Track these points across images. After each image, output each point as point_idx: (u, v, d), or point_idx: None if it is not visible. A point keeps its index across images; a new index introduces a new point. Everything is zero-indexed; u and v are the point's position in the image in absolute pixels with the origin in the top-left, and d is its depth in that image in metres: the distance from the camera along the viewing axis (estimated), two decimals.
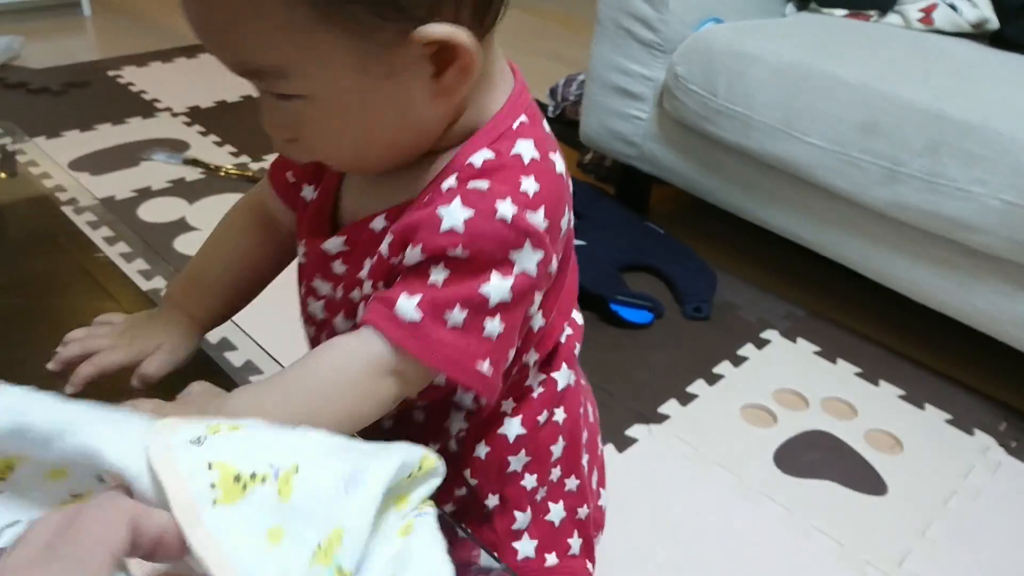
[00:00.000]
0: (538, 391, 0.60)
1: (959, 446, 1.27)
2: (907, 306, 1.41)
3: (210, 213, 1.67)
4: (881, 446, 1.26)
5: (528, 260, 0.47)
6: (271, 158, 0.64)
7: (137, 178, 1.83)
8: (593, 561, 0.67)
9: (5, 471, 0.45)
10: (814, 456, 1.22)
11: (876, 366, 1.42)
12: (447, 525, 0.44)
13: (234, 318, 0.65)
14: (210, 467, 0.39)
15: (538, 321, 0.55)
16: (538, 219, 0.46)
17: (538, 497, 0.63)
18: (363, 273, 0.52)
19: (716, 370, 1.38)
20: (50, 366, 0.56)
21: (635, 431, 1.23)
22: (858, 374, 1.40)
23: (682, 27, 1.54)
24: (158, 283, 1.41)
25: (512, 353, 0.50)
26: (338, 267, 0.55)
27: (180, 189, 1.79)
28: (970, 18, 1.48)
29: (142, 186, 1.79)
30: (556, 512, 0.64)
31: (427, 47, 0.43)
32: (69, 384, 0.55)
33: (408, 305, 0.46)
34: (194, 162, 1.90)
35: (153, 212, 1.70)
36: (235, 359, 0.69)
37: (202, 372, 0.56)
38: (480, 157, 0.48)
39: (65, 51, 2.52)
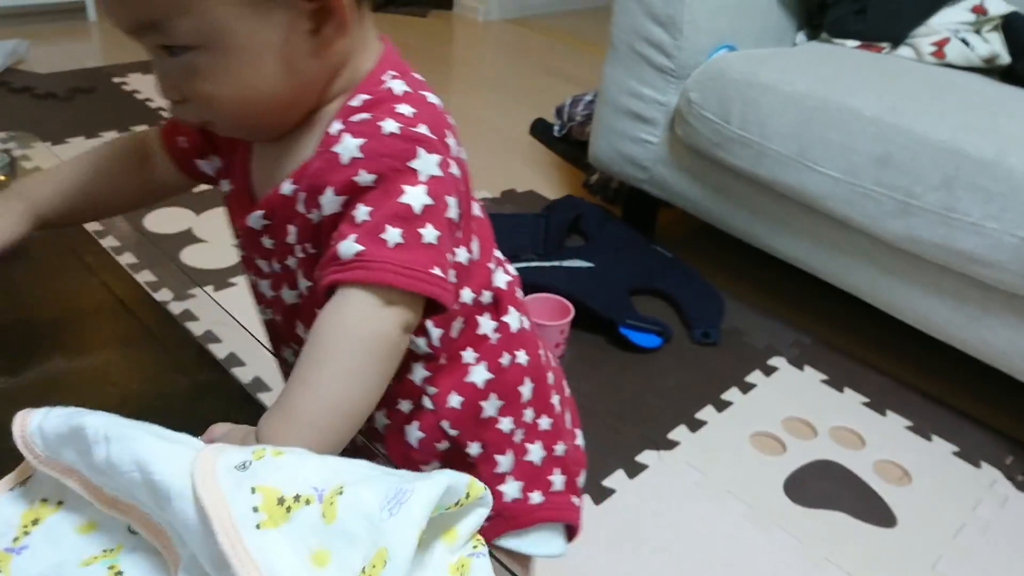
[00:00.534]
0: (494, 337, 0.63)
1: (967, 479, 1.27)
2: (914, 337, 1.42)
3: (217, 224, 1.66)
4: (890, 477, 1.26)
5: (428, 164, 0.50)
6: None
7: None
8: (579, 495, 0.70)
9: (30, 525, 0.45)
10: (824, 486, 1.22)
11: (883, 396, 1.42)
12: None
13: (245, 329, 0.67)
14: (253, 491, 0.39)
15: (462, 254, 0.57)
16: (423, 130, 0.50)
17: (516, 439, 0.65)
18: (291, 238, 0.55)
19: (725, 396, 1.38)
20: None
21: (645, 457, 1.23)
22: (865, 403, 1.41)
23: (696, 53, 1.55)
24: (165, 295, 1.39)
25: (458, 254, 0.54)
26: (267, 241, 0.58)
27: (187, 199, 1.78)
28: (982, 53, 1.50)
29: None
30: (535, 452, 0.67)
31: (307, 3, 0.49)
32: None
33: (348, 245, 0.48)
34: None
35: (159, 223, 1.69)
36: (243, 375, 0.68)
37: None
38: (358, 99, 0.52)
39: (70, 56, 2.51)
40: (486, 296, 0.61)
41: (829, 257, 1.45)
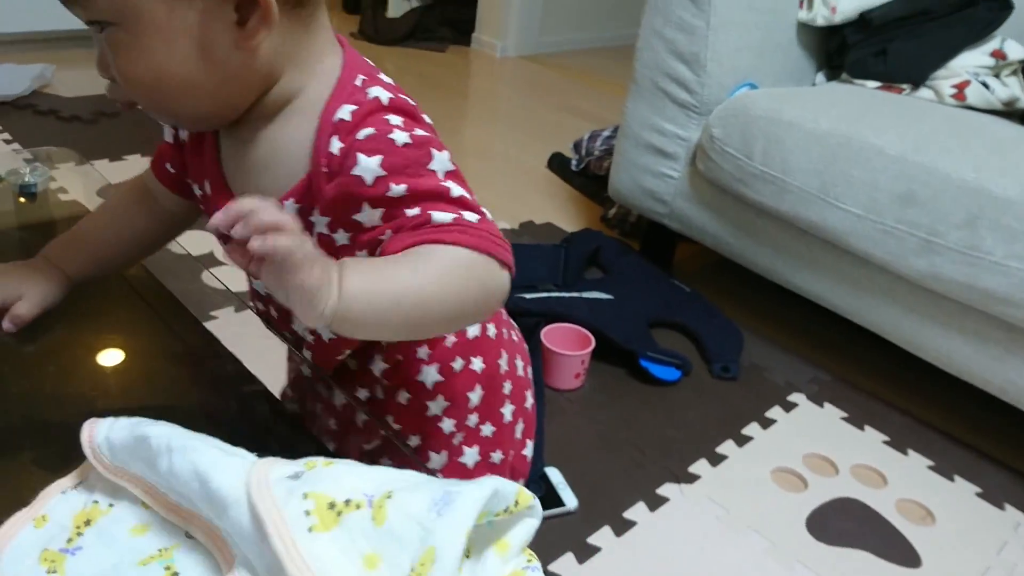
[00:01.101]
0: (450, 339, 0.65)
1: (991, 520, 1.26)
2: (935, 376, 1.41)
3: None
4: (913, 517, 1.24)
5: (442, 161, 0.53)
6: None
7: None
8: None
9: (83, 526, 0.45)
10: (847, 524, 1.21)
11: (904, 435, 1.41)
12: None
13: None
14: (305, 496, 0.40)
15: None
16: (423, 132, 0.53)
17: (455, 441, 0.68)
18: None
19: (745, 431, 1.37)
20: None
21: (666, 490, 1.22)
22: (886, 442, 1.40)
23: (718, 90, 1.57)
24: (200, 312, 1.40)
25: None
26: None
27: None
28: (1001, 96, 1.51)
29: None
30: (470, 455, 0.69)
31: None
32: None
33: (441, 215, 0.51)
34: None
35: (181, 244, 1.70)
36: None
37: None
38: (346, 111, 0.53)
39: (94, 80, 2.52)
40: None
41: (850, 294, 1.45)
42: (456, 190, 0.52)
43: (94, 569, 0.43)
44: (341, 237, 0.55)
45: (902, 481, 1.31)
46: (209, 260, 1.66)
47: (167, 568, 0.43)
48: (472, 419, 0.68)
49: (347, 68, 0.56)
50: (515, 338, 0.75)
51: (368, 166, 0.51)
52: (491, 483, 0.40)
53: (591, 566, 1.08)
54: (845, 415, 1.45)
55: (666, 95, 1.62)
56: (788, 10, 1.64)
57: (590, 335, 1.42)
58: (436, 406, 0.66)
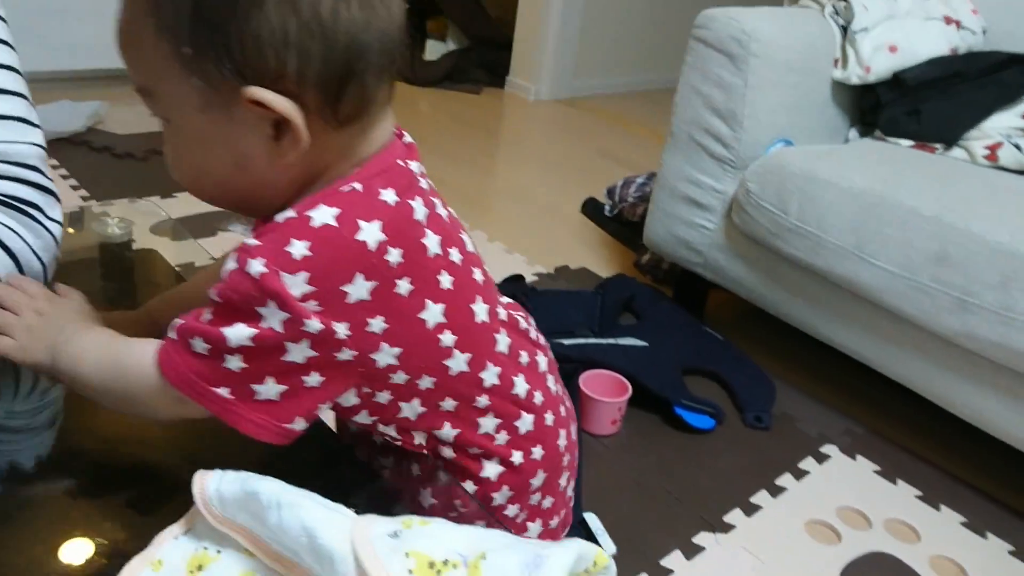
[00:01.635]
0: (502, 438, 0.65)
1: None
2: (968, 432, 1.43)
3: None
4: (946, 574, 1.26)
5: (273, 318, 0.50)
6: None
7: (214, 247, 1.90)
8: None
9: (196, 570, 0.50)
10: None
11: (937, 490, 1.43)
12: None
13: None
14: (407, 555, 0.43)
15: (425, 381, 0.59)
16: (295, 281, 0.49)
17: (519, 520, 0.69)
18: None
19: (779, 481, 1.39)
20: None
21: (702, 539, 1.25)
22: (919, 497, 1.41)
23: (754, 146, 1.62)
24: None
25: (268, 385, 0.52)
26: None
27: None
28: None
29: (219, 255, 1.86)
30: (534, 529, 0.71)
31: (266, 111, 0.49)
32: None
33: (171, 326, 0.54)
34: None
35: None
36: None
37: None
38: (284, 215, 0.52)
39: (145, 119, 2.60)
40: (482, 400, 0.62)
41: (883, 348, 1.48)
42: (236, 361, 0.51)
43: None
44: None
45: (935, 537, 1.32)
46: None
47: None
48: (535, 499, 0.70)
49: (356, 175, 0.54)
50: (564, 411, 0.75)
51: (228, 264, 0.51)
52: (575, 546, 0.44)
53: None
54: (878, 468, 1.47)
55: (703, 149, 1.67)
56: (823, 69, 1.69)
57: (627, 382, 1.45)
58: (501, 496, 0.67)
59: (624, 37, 3.82)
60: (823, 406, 1.63)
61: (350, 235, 0.51)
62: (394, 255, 0.53)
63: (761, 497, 1.35)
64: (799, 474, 1.42)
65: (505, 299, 0.72)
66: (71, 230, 1.13)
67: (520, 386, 0.65)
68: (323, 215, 0.50)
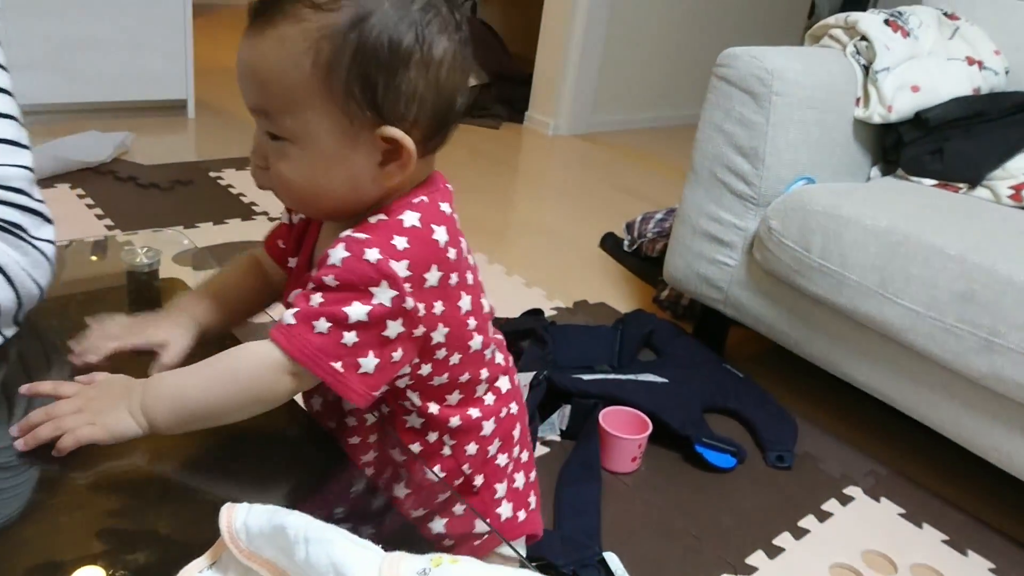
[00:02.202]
0: (491, 399, 0.79)
1: None
2: (994, 474, 1.40)
3: None
4: None
5: (384, 295, 0.61)
6: None
7: None
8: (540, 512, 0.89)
9: None
10: None
11: (963, 534, 1.40)
12: None
13: None
14: None
15: (441, 354, 0.70)
16: (399, 267, 0.61)
17: (509, 470, 0.83)
18: None
19: (801, 523, 1.37)
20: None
21: None
22: (945, 541, 1.38)
23: (776, 183, 1.62)
24: None
25: (370, 359, 0.63)
26: None
27: None
28: None
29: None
30: (519, 479, 0.84)
31: (384, 141, 0.62)
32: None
33: (288, 314, 0.62)
34: None
35: None
36: None
37: None
38: (377, 216, 0.65)
39: (171, 150, 2.68)
40: (484, 373, 0.76)
41: (908, 389, 1.46)
42: (351, 335, 0.61)
43: None
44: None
45: None
46: None
47: None
48: (516, 451, 0.84)
49: (416, 189, 0.67)
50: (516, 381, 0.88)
51: (338, 254, 0.61)
52: None
53: None
54: (902, 511, 1.44)
55: (724, 185, 1.67)
56: (845, 108, 1.69)
57: (647, 419, 1.44)
58: (493, 447, 0.80)
59: (642, 73, 3.85)
60: (846, 446, 1.60)
61: (429, 235, 0.64)
62: (452, 253, 0.66)
63: (784, 539, 1.33)
64: (822, 516, 1.40)
65: None
66: (94, 258, 1.14)
67: (499, 357, 0.80)
68: (411, 218, 0.64)
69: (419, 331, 0.65)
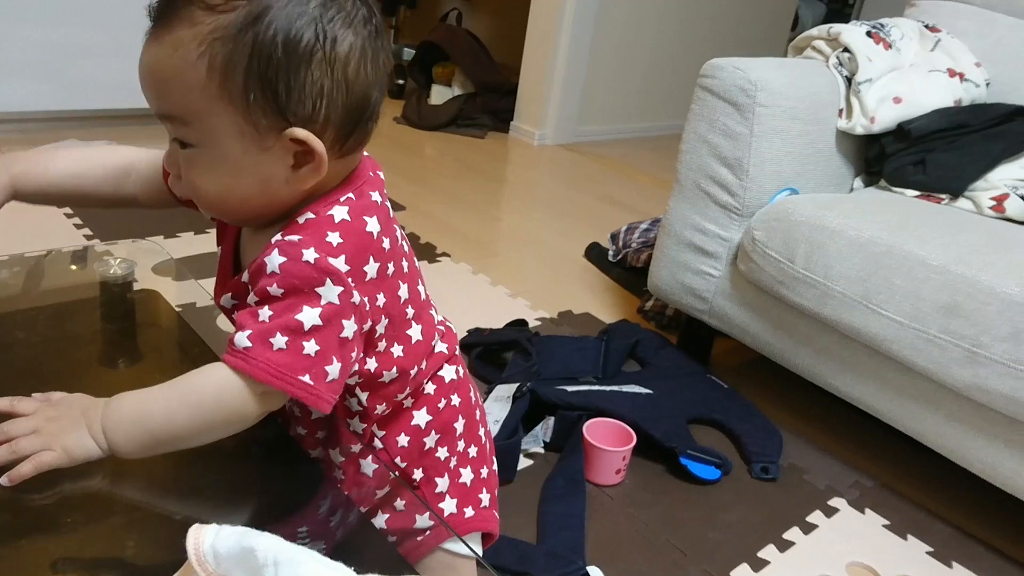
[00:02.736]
0: (430, 387, 0.77)
1: None
2: (980, 486, 1.40)
3: None
4: None
5: (330, 293, 0.60)
6: None
7: None
8: (498, 510, 0.87)
9: None
10: None
11: (948, 546, 1.39)
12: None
13: None
14: None
15: (396, 349, 0.71)
16: (338, 263, 0.61)
17: (451, 465, 0.81)
18: None
19: (786, 536, 1.36)
20: None
21: None
22: (930, 553, 1.38)
23: (760, 194, 1.62)
24: None
25: (335, 365, 0.61)
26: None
27: None
28: None
29: None
30: (466, 475, 0.82)
31: (293, 143, 0.60)
32: None
33: (241, 337, 0.59)
34: None
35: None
36: None
37: None
38: (304, 216, 0.63)
39: None
40: (424, 364, 0.75)
41: (892, 400, 1.46)
42: (312, 344, 0.60)
43: None
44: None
45: None
46: None
47: None
48: (460, 445, 0.82)
49: (344, 185, 0.66)
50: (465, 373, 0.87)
51: (273, 261, 0.60)
52: None
53: None
54: (887, 522, 1.43)
55: (708, 196, 1.66)
56: (828, 119, 1.70)
57: (631, 431, 1.43)
58: (430, 440, 0.78)
59: (628, 84, 3.86)
60: (831, 458, 1.60)
61: (363, 227, 0.63)
62: (386, 243, 0.66)
63: (769, 552, 1.32)
64: (807, 528, 1.39)
65: None
66: (74, 267, 1.12)
67: (440, 346, 0.79)
68: (340, 213, 0.63)
69: (367, 326, 0.64)
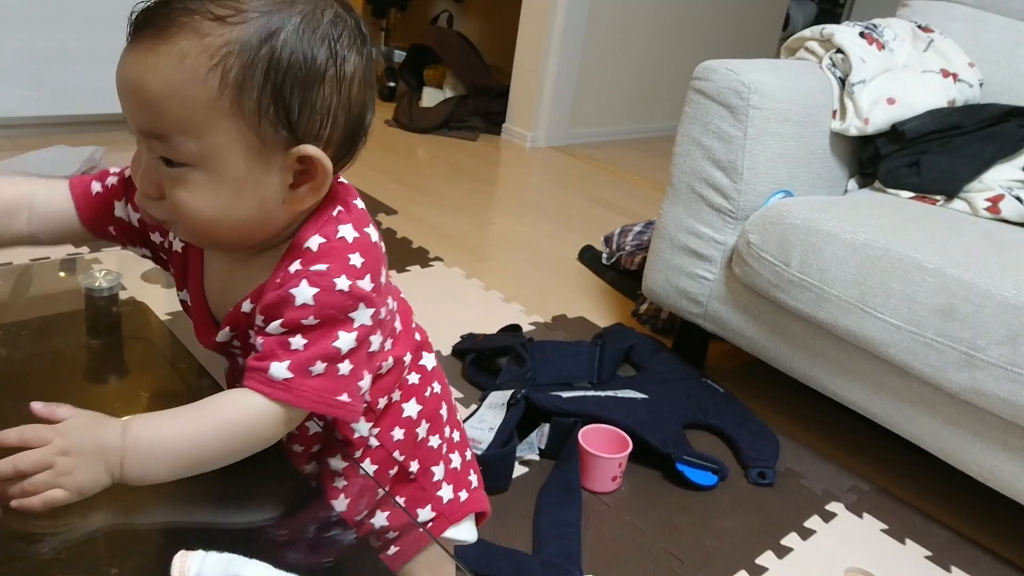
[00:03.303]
0: (415, 378, 0.78)
1: None
2: (978, 489, 1.39)
3: None
4: None
5: (363, 316, 0.62)
6: None
7: None
8: (484, 488, 0.91)
9: None
10: None
11: (947, 550, 1.39)
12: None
13: None
14: None
15: (387, 344, 0.72)
16: (366, 284, 0.61)
17: (443, 452, 0.83)
18: (252, 340, 0.65)
19: (784, 542, 1.35)
20: None
21: None
22: (928, 557, 1.37)
23: (754, 197, 1.61)
24: None
25: (366, 379, 0.64)
26: (235, 348, 0.70)
27: None
28: None
29: None
30: (456, 460, 0.85)
31: (296, 162, 0.59)
32: None
33: (280, 368, 0.59)
34: None
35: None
36: None
37: None
38: (315, 242, 0.62)
39: None
40: (408, 356, 0.76)
41: (888, 403, 1.45)
42: (346, 364, 0.61)
43: None
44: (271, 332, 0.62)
45: None
46: None
47: None
48: (447, 431, 0.83)
49: (330, 198, 0.65)
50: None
51: (305, 292, 0.59)
52: None
53: None
54: (885, 527, 1.43)
55: (703, 200, 1.65)
56: (822, 121, 1.69)
57: (627, 437, 1.42)
58: (422, 430, 0.79)
59: (619, 86, 3.85)
60: (828, 462, 1.59)
61: (370, 240, 0.64)
62: (383, 248, 0.66)
63: (767, 559, 1.31)
64: (805, 533, 1.38)
65: None
66: (63, 274, 1.11)
67: (418, 334, 0.81)
68: (348, 231, 0.63)
69: (387, 331, 0.67)
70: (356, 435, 0.74)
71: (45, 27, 2.59)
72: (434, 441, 0.81)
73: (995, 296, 1.26)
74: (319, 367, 0.60)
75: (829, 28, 1.75)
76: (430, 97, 3.71)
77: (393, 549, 0.75)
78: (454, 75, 3.72)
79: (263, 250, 0.65)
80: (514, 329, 1.83)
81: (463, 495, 0.85)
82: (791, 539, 1.36)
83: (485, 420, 1.42)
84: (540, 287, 2.20)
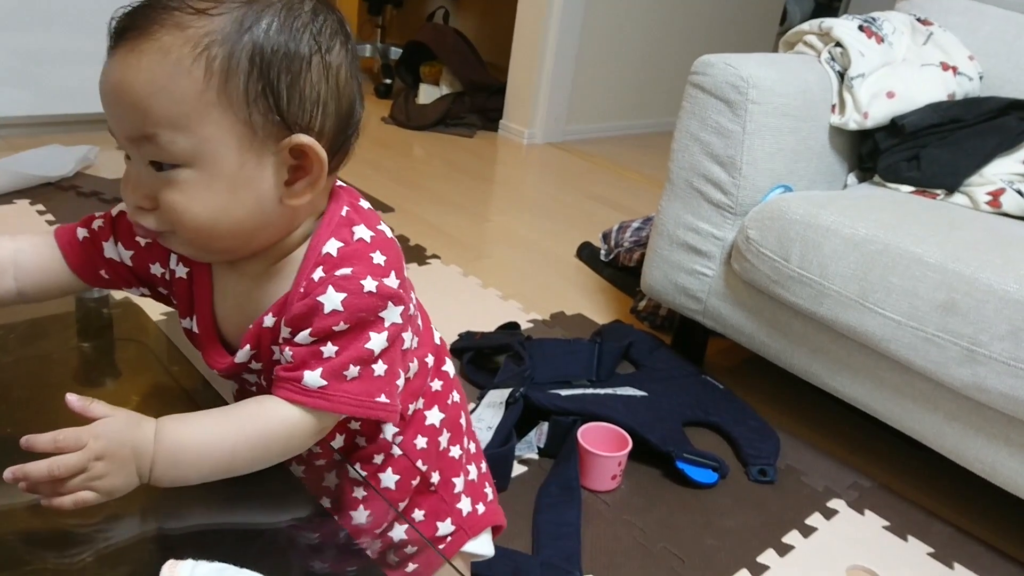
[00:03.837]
0: (438, 384, 0.78)
1: None
2: (980, 485, 1.38)
3: None
4: None
5: (393, 314, 0.61)
6: None
7: None
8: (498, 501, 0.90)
9: None
10: None
11: (949, 547, 1.38)
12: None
13: None
14: None
15: (412, 342, 0.71)
16: (392, 281, 0.61)
17: (463, 462, 0.81)
18: (276, 356, 0.64)
19: (786, 539, 1.34)
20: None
21: None
22: (931, 554, 1.36)
23: (753, 192, 1.60)
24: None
25: (401, 377, 0.64)
26: (255, 365, 0.67)
27: None
28: None
29: None
30: (473, 471, 0.84)
31: (290, 155, 0.58)
32: None
33: (314, 377, 0.59)
34: None
35: None
36: None
37: None
38: (333, 246, 0.61)
39: None
40: (430, 359, 0.76)
41: (890, 399, 1.44)
42: (380, 364, 0.61)
43: None
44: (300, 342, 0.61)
45: None
46: None
47: None
48: (466, 441, 0.82)
49: (336, 198, 0.64)
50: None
51: (332, 298, 0.59)
52: None
53: None
54: (887, 523, 1.42)
55: (701, 195, 1.64)
56: (821, 115, 1.68)
57: (627, 435, 1.41)
58: (444, 439, 0.78)
59: (616, 81, 3.84)
60: (829, 459, 1.58)
61: (385, 236, 0.63)
62: (398, 243, 0.65)
63: (768, 556, 1.30)
64: (807, 531, 1.37)
65: None
66: None
67: (437, 335, 0.80)
68: (363, 231, 0.62)
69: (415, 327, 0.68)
70: (380, 437, 0.72)
71: (38, 27, 2.57)
72: (455, 451, 0.80)
73: (997, 291, 1.25)
74: (353, 371, 0.59)
75: (828, 22, 1.74)
76: (426, 94, 3.70)
77: (412, 566, 0.70)
78: (450, 72, 3.70)
79: (278, 261, 0.64)
80: (512, 327, 1.82)
81: (480, 508, 0.83)
82: (792, 537, 1.35)
83: (483, 419, 1.41)
84: (538, 284, 2.19)
